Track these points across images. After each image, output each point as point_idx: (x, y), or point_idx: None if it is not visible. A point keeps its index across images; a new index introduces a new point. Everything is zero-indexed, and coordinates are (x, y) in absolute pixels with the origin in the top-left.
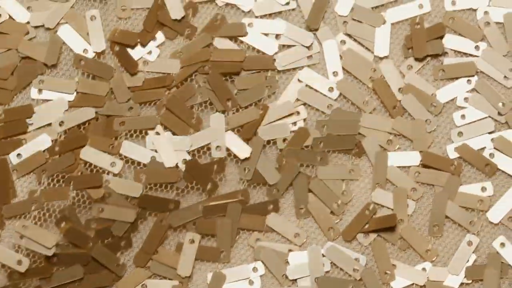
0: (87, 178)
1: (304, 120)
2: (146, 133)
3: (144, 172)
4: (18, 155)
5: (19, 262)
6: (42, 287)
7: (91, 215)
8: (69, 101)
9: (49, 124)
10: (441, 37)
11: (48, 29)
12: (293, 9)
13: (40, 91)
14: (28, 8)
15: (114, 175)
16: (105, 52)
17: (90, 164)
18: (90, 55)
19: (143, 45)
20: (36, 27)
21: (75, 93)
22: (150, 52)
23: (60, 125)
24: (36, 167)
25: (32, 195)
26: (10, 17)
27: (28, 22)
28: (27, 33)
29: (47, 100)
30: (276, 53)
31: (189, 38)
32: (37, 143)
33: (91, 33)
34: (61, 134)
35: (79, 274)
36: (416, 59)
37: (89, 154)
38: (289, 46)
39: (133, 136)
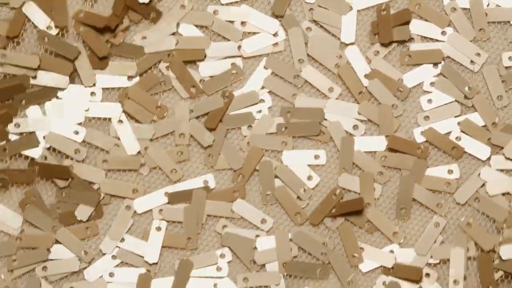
0: (54, 168)
1: (269, 107)
2: (109, 121)
3: (107, 158)
4: None
5: None
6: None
7: (55, 199)
8: (32, 77)
9: (10, 99)
10: (407, 23)
11: (13, 8)
12: None
13: (1, 65)
14: None
15: (77, 161)
16: (68, 32)
17: (54, 149)
18: (54, 32)
19: (112, 30)
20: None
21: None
22: (115, 36)
23: (20, 102)
24: None
25: None
26: None
27: None
28: None
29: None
30: (241, 39)
31: (154, 22)
32: None
33: (54, 8)
34: (24, 113)
35: (44, 257)
36: (383, 45)
37: (53, 139)
38: (254, 33)
39: (97, 123)
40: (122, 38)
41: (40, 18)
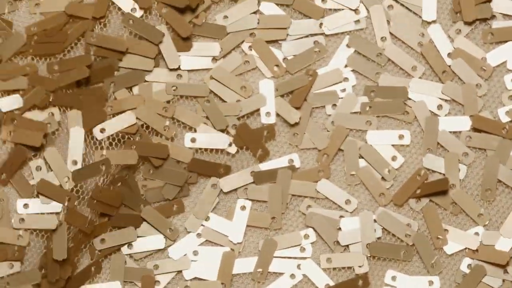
0: (153, 147)
1: (353, 86)
2: (197, 101)
3: (195, 136)
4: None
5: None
6: (97, 248)
7: (142, 176)
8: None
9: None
10: (489, 1)
11: None
12: None
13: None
14: None
15: (167, 139)
16: (151, 13)
17: (148, 126)
18: (138, 14)
19: (193, 9)
20: None
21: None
22: (197, 16)
23: (110, 85)
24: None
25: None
26: None
27: None
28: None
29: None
30: (322, 17)
31: (234, 1)
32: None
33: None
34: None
35: (133, 237)
36: (465, 23)
37: (144, 114)
38: (336, 10)
39: (185, 103)
40: (204, 18)
41: (124, 0)
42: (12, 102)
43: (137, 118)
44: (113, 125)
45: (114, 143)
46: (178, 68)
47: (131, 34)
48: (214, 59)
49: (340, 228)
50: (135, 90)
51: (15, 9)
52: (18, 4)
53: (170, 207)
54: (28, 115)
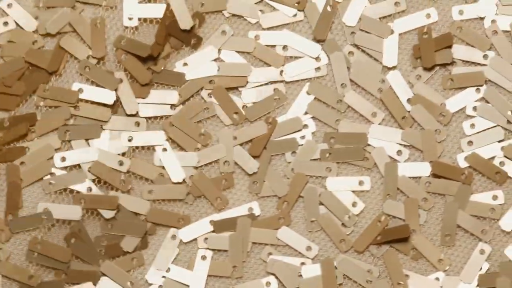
0: (102, 199)
1: (313, 133)
2: (154, 149)
3: (152, 188)
4: (22, 163)
5: (30, 278)
6: None
7: (100, 231)
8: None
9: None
10: (449, 47)
11: (53, 35)
12: (300, 21)
13: (44, 99)
14: (36, 18)
15: (123, 192)
16: (104, 59)
17: (99, 180)
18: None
19: (154, 58)
20: (44, 35)
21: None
22: (156, 63)
23: (65, 132)
24: (41, 177)
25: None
26: (18, 25)
27: (35, 31)
28: (35, 41)
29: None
30: (283, 65)
31: (194, 48)
32: (41, 152)
33: (93, 39)
34: (66, 144)
35: None
36: (425, 69)
37: (98, 169)
38: (296, 58)
39: (141, 152)
40: (163, 65)
41: (79, 50)
42: None
43: (91, 172)
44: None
45: (61, 197)
46: (137, 115)
47: (88, 81)
48: (173, 106)
49: (301, 275)
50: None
51: None
52: None
53: (129, 260)
54: None
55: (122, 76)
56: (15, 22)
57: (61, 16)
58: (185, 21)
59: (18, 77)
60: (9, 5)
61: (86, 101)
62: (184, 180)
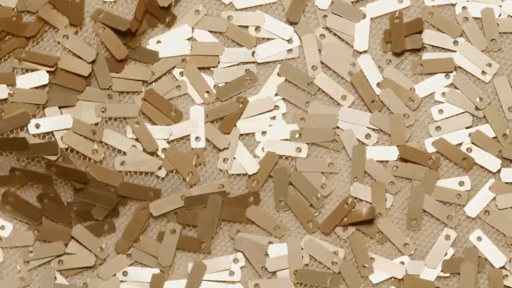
0: (72, 172)
1: (283, 114)
2: (126, 122)
3: (124, 159)
4: None
5: (2, 227)
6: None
7: (72, 198)
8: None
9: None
10: (420, 32)
11: (33, 13)
12: (274, 2)
13: (20, 61)
14: None
15: (95, 162)
16: (87, 31)
17: (72, 150)
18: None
19: (132, 33)
20: (22, 11)
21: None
22: (132, 39)
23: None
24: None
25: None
26: None
27: (15, 8)
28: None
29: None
30: (255, 46)
31: (168, 27)
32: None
33: (71, 8)
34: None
35: (60, 251)
36: (395, 54)
37: (71, 139)
38: (268, 39)
39: (113, 125)
40: (138, 42)
41: (59, 20)
42: None
43: (64, 142)
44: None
45: (32, 163)
46: (109, 89)
47: (65, 50)
48: (145, 82)
49: (268, 254)
50: (65, 110)
51: None
52: None
53: (101, 226)
54: None
55: (99, 49)
56: None
57: None
58: None
59: None
60: None
61: (61, 69)
62: (156, 153)
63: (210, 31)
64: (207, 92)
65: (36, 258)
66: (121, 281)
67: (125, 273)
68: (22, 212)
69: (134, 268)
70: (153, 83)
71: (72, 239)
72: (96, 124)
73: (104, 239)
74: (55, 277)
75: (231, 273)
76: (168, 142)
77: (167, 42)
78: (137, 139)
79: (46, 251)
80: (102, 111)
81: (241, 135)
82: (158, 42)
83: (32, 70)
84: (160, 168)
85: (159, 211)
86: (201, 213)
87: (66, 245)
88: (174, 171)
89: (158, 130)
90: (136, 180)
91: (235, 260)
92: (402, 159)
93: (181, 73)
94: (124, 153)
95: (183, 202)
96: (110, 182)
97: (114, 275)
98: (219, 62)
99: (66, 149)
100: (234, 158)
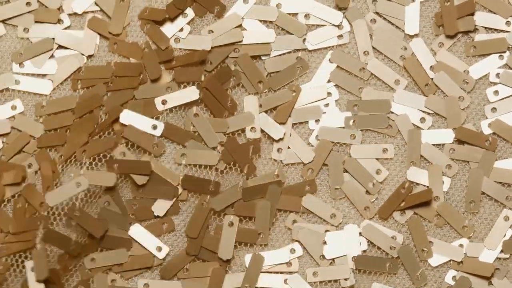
0: (134, 164)
1: (336, 101)
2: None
3: (184, 152)
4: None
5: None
6: (87, 267)
7: (131, 195)
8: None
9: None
10: (472, 14)
11: (78, 14)
12: None
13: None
14: None
15: (155, 157)
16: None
17: (133, 145)
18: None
19: (172, 20)
20: (69, 14)
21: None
22: (181, 29)
23: (100, 108)
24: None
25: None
26: (42, 4)
27: (59, 9)
28: (60, 21)
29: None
30: (305, 33)
31: (218, 16)
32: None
33: (114, 15)
34: (102, 115)
35: (124, 258)
36: (447, 37)
37: (131, 132)
38: (318, 26)
39: (174, 117)
40: (188, 31)
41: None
42: None
43: (123, 137)
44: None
45: (94, 162)
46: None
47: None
48: (206, 71)
49: (325, 242)
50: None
51: None
52: None
53: (159, 225)
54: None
55: (145, 45)
56: (38, 1)
57: None
58: None
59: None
60: None
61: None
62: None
63: (260, 20)
64: (260, 81)
65: (99, 266)
66: (181, 279)
67: (184, 270)
68: (86, 228)
69: (194, 264)
70: (212, 72)
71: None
72: (157, 117)
73: (164, 238)
74: (111, 280)
75: (289, 264)
76: (225, 134)
77: (219, 31)
78: (196, 132)
79: (109, 258)
80: (163, 103)
81: (294, 124)
82: (210, 31)
83: None
84: (219, 161)
85: (220, 205)
86: (259, 204)
87: (128, 250)
88: (232, 163)
89: (216, 123)
90: (196, 173)
91: (292, 251)
92: (458, 141)
93: (234, 63)
94: (184, 146)
95: (242, 194)
96: (170, 177)
97: (176, 273)
98: (271, 51)
99: (126, 144)
100: (288, 148)
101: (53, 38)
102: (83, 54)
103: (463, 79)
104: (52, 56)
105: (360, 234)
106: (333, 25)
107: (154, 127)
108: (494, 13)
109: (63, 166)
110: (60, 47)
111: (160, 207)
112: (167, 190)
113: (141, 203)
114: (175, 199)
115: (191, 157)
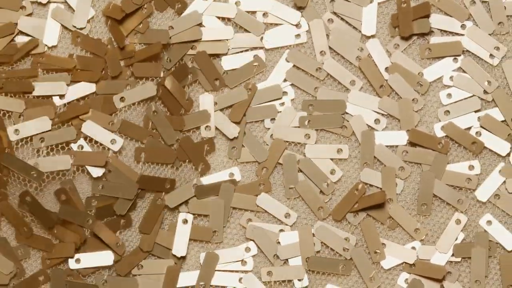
0: (89, 156)
1: (292, 100)
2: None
3: (143, 150)
4: (16, 130)
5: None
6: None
7: (91, 191)
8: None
9: (49, 97)
10: (427, 16)
11: (42, 4)
12: None
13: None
14: None
15: (114, 152)
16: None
17: (91, 139)
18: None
19: (131, 15)
20: (32, 2)
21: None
22: (140, 24)
23: (60, 98)
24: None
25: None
26: None
27: None
28: (23, 7)
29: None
30: (263, 32)
31: (178, 13)
32: (36, 125)
33: (78, 8)
34: (61, 107)
35: (109, 261)
36: (403, 38)
37: (90, 128)
38: (276, 25)
39: (131, 112)
40: (146, 26)
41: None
42: None
43: (83, 131)
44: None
45: (52, 153)
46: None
47: (82, 51)
48: (164, 68)
49: (279, 242)
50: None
51: None
52: None
53: (118, 221)
54: None
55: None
56: None
57: None
58: None
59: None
60: None
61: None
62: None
63: (219, 17)
64: (216, 79)
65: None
66: (136, 275)
67: (139, 267)
68: (38, 218)
69: (148, 261)
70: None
71: (92, 236)
72: (115, 113)
73: (120, 234)
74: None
75: (244, 263)
76: (181, 131)
77: (178, 28)
78: (154, 129)
79: (95, 260)
80: (121, 100)
81: (249, 122)
82: (170, 28)
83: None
84: (175, 159)
85: (174, 202)
86: (212, 202)
87: (80, 245)
88: (187, 161)
89: (172, 120)
90: (148, 169)
91: (247, 249)
92: (411, 143)
93: (191, 60)
94: (142, 143)
95: (195, 192)
96: (130, 174)
97: (131, 270)
98: (228, 49)
99: (85, 138)
100: (243, 146)
101: (16, 23)
102: (45, 44)
103: (417, 81)
104: (12, 40)
105: (314, 234)
106: (291, 24)
107: (113, 141)
108: (450, 16)
109: (17, 145)
110: (22, 33)
111: (122, 205)
112: (128, 189)
113: (101, 201)
114: (135, 198)
115: (149, 155)
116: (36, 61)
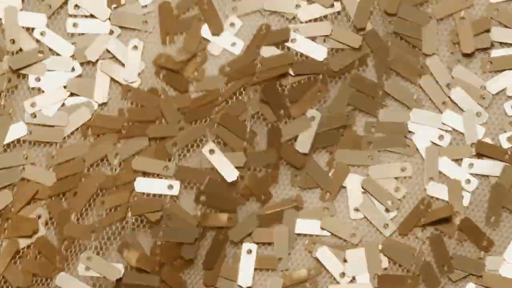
0: (145, 203)
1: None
2: (198, 146)
3: (203, 194)
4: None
5: None
6: None
7: (152, 239)
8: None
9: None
10: (488, 31)
11: (91, 62)
12: (338, 12)
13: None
14: (73, 43)
15: (171, 197)
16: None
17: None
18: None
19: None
20: (81, 63)
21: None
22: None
23: (115, 157)
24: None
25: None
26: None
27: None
28: (73, 69)
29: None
30: (325, 58)
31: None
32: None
33: (128, 63)
34: (116, 167)
35: None
36: (463, 54)
37: (143, 184)
38: (337, 50)
39: (186, 156)
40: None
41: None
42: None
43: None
44: None
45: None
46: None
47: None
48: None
49: (346, 260)
50: None
51: None
52: None
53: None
54: None
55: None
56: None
57: (99, 41)
58: None
59: None
60: (42, 33)
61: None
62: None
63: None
64: (282, 109)
65: None
66: None
67: None
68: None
69: None
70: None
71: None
72: (169, 159)
73: (183, 275)
74: None
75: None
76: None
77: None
78: (213, 169)
79: None
80: (174, 145)
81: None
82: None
83: None
84: (237, 194)
85: (239, 236)
86: (277, 229)
87: None
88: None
89: (232, 157)
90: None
91: (312, 271)
92: (477, 155)
93: (253, 92)
94: (200, 184)
95: (258, 221)
96: (188, 217)
97: None
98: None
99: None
100: (306, 174)
101: (65, 86)
102: (96, 102)
103: (480, 95)
104: (63, 104)
105: (381, 251)
106: (354, 48)
107: (170, 187)
108: (509, 27)
109: (78, 218)
110: (72, 94)
111: (189, 250)
112: (188, 233)
113: (164, 250)
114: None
115: (210, 198)
116: (86, 124)
